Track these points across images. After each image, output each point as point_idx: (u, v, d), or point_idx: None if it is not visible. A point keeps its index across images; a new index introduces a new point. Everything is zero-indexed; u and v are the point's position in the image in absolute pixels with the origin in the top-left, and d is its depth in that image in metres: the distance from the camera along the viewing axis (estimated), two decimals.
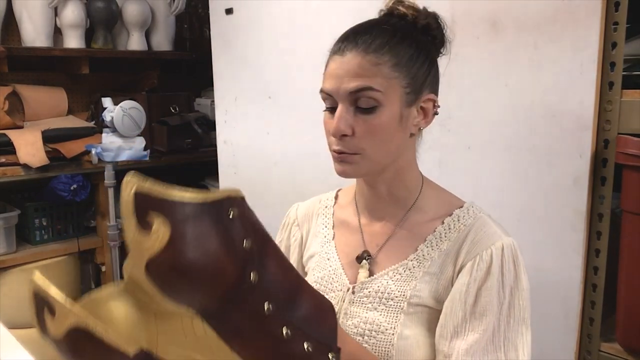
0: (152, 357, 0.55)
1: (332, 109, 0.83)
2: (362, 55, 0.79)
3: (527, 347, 0.78)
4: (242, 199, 0.58)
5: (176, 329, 0.56)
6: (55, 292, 0.55)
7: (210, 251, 0.52)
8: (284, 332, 0.60)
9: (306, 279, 0.94)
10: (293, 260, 1.00)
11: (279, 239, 1.04)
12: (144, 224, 0.51)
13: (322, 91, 0.83)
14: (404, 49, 0.81)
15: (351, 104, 0.80)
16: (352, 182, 0.98)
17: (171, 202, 0.51)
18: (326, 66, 0.84)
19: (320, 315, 0.66)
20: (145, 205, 0.51)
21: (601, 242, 1.08)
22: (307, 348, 0.62)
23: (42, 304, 0.56)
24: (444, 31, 0.86)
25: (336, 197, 1.00)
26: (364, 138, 0.80)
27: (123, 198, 0.51)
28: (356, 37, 0.81)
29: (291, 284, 0.63)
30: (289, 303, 0.62)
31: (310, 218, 1.00)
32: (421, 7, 0.86)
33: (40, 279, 0.56)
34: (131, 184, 0.51)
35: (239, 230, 0.56)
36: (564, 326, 1.12)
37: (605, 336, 1.11)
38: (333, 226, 0.96)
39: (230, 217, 0.55)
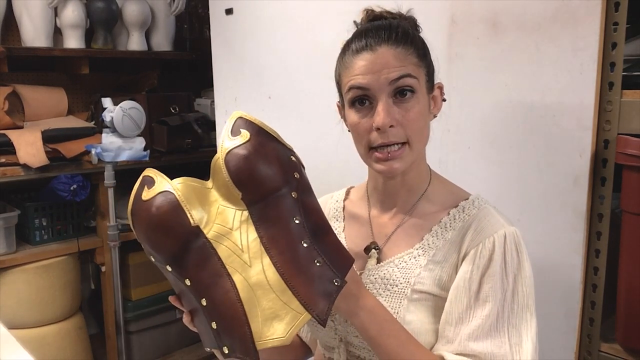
0: (201, 232, 0.75)
1: (362, 107, 0.85)
2: (393, 47, 0.83)
3: (531, 333, 0.79)
4: (303, 167, 0.81)
5: (228, 216, 0.77)
6: (161, 175, 0.78)
7: (269, 161, 0.76)
8: (303, 243, 0.75)
9: None
10: None
11: None
12: (234, 133, 0.77)
13: (353, 88, 0.84)
14: (419, 41, 0.87)
15: (389, 95, 0.83)
16: (363, 179, 1.00)
17: (258, 127, 0.77)
18: (348, 67, 0.86)
19: (338, 255, 0.77)
20: (239, 125, 0.78)
21: (601, 242, 1.08)
22: (317, 263, 0.74)
23: (145, 183, 0.77)
24: (420, 33, 0.92)
25: (347, 194, 1.04)
26: (408, 126, 0.83)
27: (227, 122, 0.78)
28: (379, 33, 0.84)
29: (322, 225, 0.79)
30: (314, 232, 0.76)
31: None
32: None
33: (152, 170, 0.79)
34: (237, 114, 0.79)
35: (294, 166, 0.78)
36: (564, 326, 1.12)
37: (605, 336, 1.11)
38: (344, 219, 1.00)
39: (291, 159, 0.79)
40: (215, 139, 2.02)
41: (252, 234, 0.75)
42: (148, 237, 0.76)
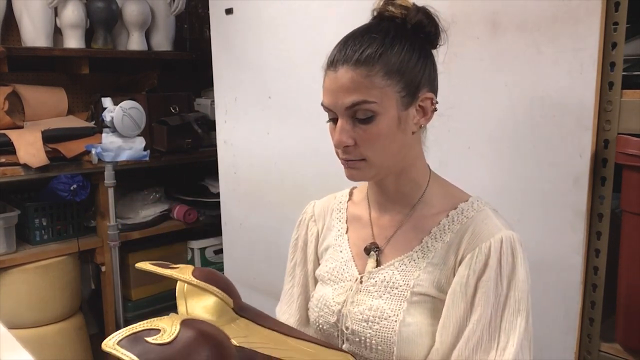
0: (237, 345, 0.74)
1: (334, 120, 0.86)
2: (352, 69, 0.81)
3: (517, 337, 0.79)
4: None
5: (232, 329, 0.77)
6: (154, 321, 0.68)
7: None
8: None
9: (319, 269, 1.01)
10: (310, 252, 1.06)
11: (295, 235, 1.09)
12: (170, 267, 0.80)
13: (322, 105, 0.87)
14: (394, 55, 0.82)
15: (349, 116, 0.83)
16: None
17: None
18: (323, 79, 0.87)
19: None
20: (162, 264, 0.81)
21: (601, 242, 1.08)
22: None
23: (137, 340, 0.65)
24: (438, 23, 0.87)
25: (350, 194, 1.05)
26: (366, 146, 0.84)
27: (147, 267, 0.80)
28: (346, 50, 0.83)
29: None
30: None
31: (326, 214, 1.04)
32: (411, 3, 0.86)
33: (115, 335, 0.64)
34: (143, 263, 0.81)
35: None
36: (564, 326, 1.12)
37: (605, 336, 1.11)
38: (347, 220, 1.00)
39: None
40: (215, 138, 2.02)
41: (262, 330, 0.80)
42: None
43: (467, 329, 0.80)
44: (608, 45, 1.03)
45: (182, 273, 0.79)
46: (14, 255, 2.12)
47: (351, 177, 0.89)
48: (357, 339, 0.88)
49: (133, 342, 0.63)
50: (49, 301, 2.16)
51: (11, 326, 1.28)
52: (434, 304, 0.85)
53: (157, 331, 0.64)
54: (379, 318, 0.86)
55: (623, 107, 1.03)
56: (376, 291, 0.88)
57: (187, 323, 0.66)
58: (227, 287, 0.80)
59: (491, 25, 1.17)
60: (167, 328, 0.65)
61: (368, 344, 0.86)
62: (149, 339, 0.63)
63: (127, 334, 0.64)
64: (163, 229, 2.48)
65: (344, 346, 0.91)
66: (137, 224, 2.42)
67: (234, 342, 0.73)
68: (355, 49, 0.82)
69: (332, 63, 0.84)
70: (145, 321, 0.67)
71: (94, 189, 2.27)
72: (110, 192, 2.12)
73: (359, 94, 0.81)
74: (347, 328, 0.89)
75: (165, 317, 0.68)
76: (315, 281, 1.03)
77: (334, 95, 0.83)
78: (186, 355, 0.63)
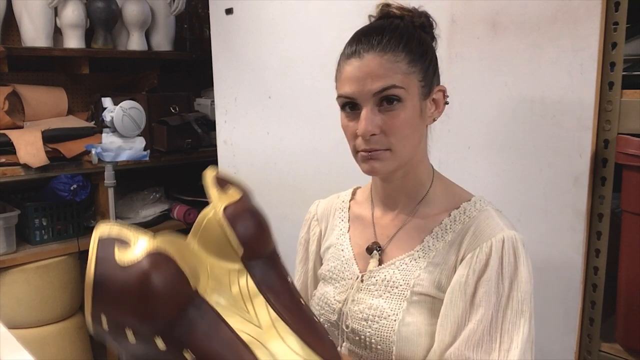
0: (200, 297, 0.66)
1: (351, 112, 0.85)
2: (380, 55, 0.82)
3: (522, 339, 0.79)
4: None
5: (224, 283, 0.70)
6: (132, 229, 0.65)
7: (265, 219, 0.77)
8: (301, 300, 0.75)
9: (322, 268, 1.01)
10: (311, 251, 1.06)
11: (301, 234, 1.10)
12: (222, 189, 0.75)
13: (341, 96, 0.85)
14: (415, 46, 0.84)
15: (375, 103, 0.83)
16: (363, 180, 1.00)
17: (242, 185, 0.79)
18: (340, 71, 0.86)
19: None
20: (223, 181, 0.76)
21: (601, 242, 1.08)
22: (316, 319, 0.75)
23: (112, 242, 0.63)
24: (434, 28, 0.91)
25: (353, 194, 1.05)
26: (392, 134, 0.83)
27: (206, 178, 0.76)
28: (370, 39, 0.83)
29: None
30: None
31: (328, 213, 1.05)
32: (410, 6, 0.89)
33: (115, 226, 0.65)
34: (212, 172, 0.77)
35: None
36: (564, 326, 1.12)
37: (605, 336, 1.11)
38: (349, 220, 1.01)
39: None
40: (215, 138, 2.02)
41: (256, 294, 0.71)
42: (132, 309, 0.61)
43: (467, 328, 0.80)
44: (608, 45, 1.03)
45: (220, 202, 0.72)
46: (14, 255, 2.12)
47: (371, 170, 0.86)
48: (357, 338, 0.88)
49: (109, 244, 0.62)
50: (49, 301, 2.16)
51: (11, 326, 1.28)
52: (434, 304, 0.85)
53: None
54: (378, 317, 0.86)
55: (623, 107, 1.03)
56: (376, 290, 0.88)
57: (154, 256, 0.61)
58: (247, 233, 0.72)
59: (491, 25, 1.17)
60: (136, 250, 0.62)
61: (367, 343, 0.86)
62: (117, 250, 0.61)
63: (113, 233, 0.63)
64: (163, 229, 2.48)
65: (344, 345, 0.91)
66: (137, 224, 2.42)
67: (205, 296, 0.65)
68: (379, 38, 0.82)
69: (355, 52, 0.83)
70: (134, 230, 0.64)
71: (94, 189, 2.27)
72: (110, 192, 2.12)
73: (388, 78, 0.81)
74: (347, 327, 0.89)
75: (150, 237, 0.64)
76: (316, 279, 1.04)
77: (360, 82, 0.82)
78: (131, 285, 0.60)
